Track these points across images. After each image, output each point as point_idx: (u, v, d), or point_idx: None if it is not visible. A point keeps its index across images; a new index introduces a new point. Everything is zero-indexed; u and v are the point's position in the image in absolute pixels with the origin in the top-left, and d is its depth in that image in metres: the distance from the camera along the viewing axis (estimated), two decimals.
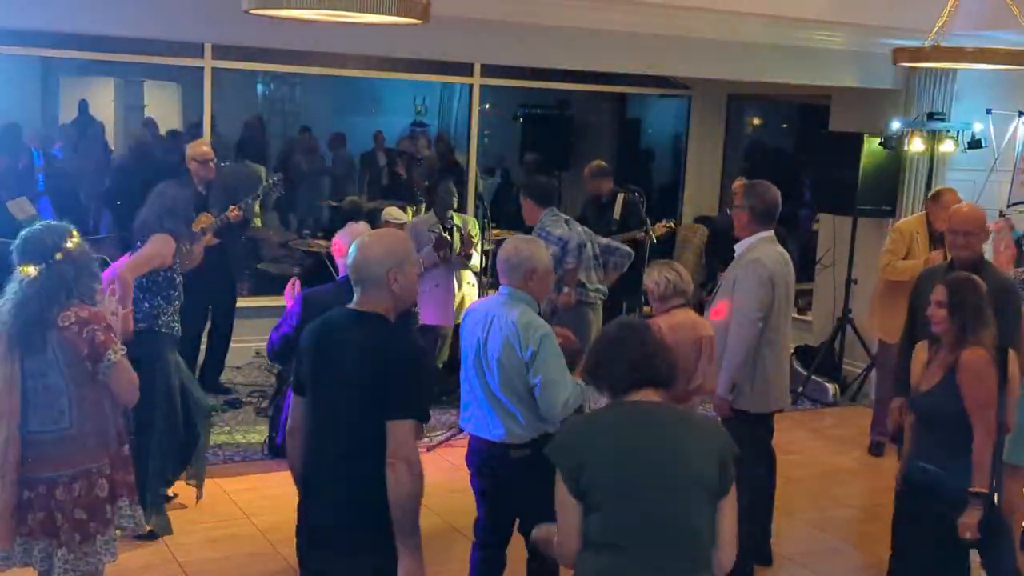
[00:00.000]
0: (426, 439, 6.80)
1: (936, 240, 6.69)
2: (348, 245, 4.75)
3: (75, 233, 3.62)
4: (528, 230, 6.10)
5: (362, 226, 4.87)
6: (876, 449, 7.09)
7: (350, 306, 3.21)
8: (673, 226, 8.40)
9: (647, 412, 2.86)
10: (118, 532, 3.73)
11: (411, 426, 3.04)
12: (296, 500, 5.88)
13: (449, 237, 7.13)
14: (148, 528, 4.81)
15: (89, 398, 3.53)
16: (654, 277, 4.69)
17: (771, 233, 4.89)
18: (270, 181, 7.36)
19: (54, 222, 3.66)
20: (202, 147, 6.71)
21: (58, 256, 3.50)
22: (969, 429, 3.97)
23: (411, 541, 3.09)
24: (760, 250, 4.82)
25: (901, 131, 8.02)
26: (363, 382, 3.05)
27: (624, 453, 2.77)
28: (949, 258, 5.08)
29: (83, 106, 10.43)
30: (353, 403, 3.08)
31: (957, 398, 3.98)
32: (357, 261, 3.19)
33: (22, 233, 3.58)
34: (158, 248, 5.04)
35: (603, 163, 8.13)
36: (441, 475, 6.10)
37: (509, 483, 4.08)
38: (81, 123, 10.45)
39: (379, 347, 3.09)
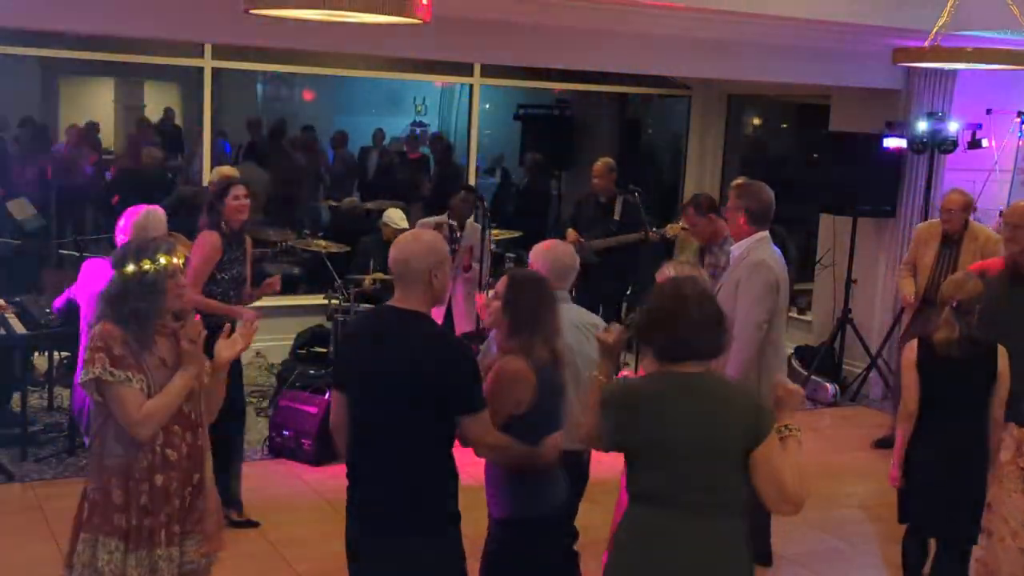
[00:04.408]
0: None
1: (947, 243, 6.68)
2: (129, 223, 4.63)
3: (165, 253, 3.29)
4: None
5: (144, 209, 4.75)
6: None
7: (389, 303, 3.31)
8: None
9: (685, 382, 2.96)
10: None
11: (484, 416, 3.24)
12: (294, 499, 5.83)
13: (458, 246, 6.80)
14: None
15: (97, 419, 3.36)
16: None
17: (767, 234, 4.83)
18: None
19: (154, 237, 3.41)
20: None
21: (127, 269, 3.28)
22: None
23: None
24: (762, 252, 4.75)
25: (901, 131, 8.02)
26: (418, 378, 3.15)
27: (660, 420, 2.92)
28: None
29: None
30: (403, 398, 3.16)
31: None
32: (399, 257, 3.25)
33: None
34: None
35: (611, 160, 8.03)
36: None
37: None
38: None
39: (436, 346, 3.24)
